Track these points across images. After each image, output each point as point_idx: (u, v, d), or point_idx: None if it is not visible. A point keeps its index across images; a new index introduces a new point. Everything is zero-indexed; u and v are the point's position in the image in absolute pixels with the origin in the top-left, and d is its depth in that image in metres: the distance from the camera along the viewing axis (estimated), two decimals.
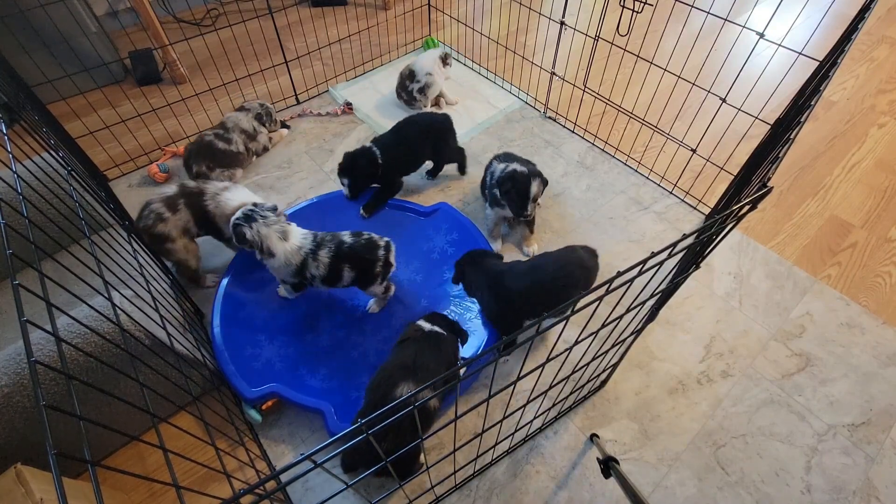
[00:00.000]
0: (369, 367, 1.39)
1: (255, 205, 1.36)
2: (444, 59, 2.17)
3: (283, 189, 1.92)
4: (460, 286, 1.46)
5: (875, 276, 1.67)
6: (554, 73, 2.08)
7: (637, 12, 1.59)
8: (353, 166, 1.75)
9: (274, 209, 1.37)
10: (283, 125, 2.15)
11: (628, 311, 0.84)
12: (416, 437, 0.92)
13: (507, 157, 1.70)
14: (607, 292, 0.67)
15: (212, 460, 0.83)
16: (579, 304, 0.66)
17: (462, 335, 1.29)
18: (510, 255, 1.72)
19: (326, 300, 1.53)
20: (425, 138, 1.81)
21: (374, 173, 1.76)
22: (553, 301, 1.27)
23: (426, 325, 1.23)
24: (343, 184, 1.79)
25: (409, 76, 2.15)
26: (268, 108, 2.02)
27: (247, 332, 1.45)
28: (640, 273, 0.66)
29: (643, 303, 0.83)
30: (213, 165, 1.84)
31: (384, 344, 1.43)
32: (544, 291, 1.31)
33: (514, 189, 1.51)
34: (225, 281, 1.54)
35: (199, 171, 1.83)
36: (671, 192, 1.90)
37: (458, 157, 1.92)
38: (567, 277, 1.32)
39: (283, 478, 1.04)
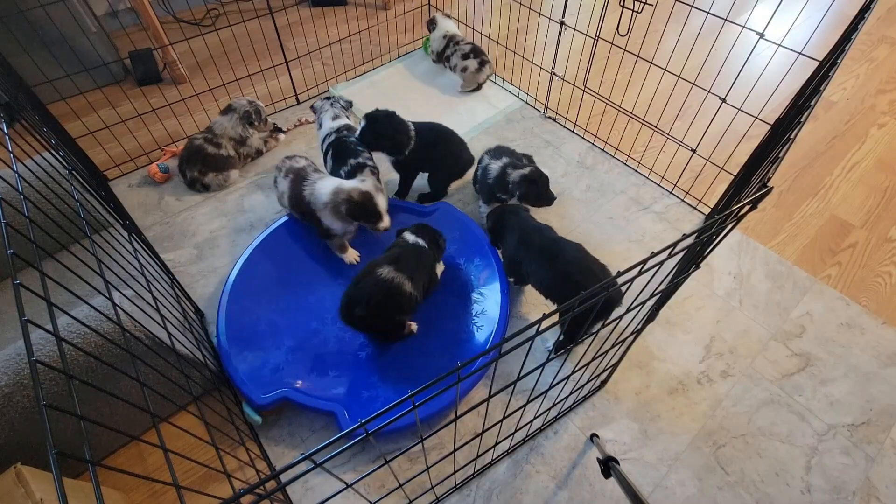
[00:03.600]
0: (378, 367, 1.39)
1: (343, 101, 1.84)
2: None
3: None
4: (465, 290, 1.49)
5: (875, 276, 1.67)
6: (554, 73, 2.08)
7: (637, 12, 1.59)
8: (385, 125, 1.65)
9: (349, 106, 1.85)
10: (279, 130, 2.11)
11: (628, 311, 0.84)
12: (392, 312, 1.35)
13: (497, 152, 1.70)
14: (607, 292, 0.67)
15: (212, 460, 0.83)
16: (579, 305, 0.66)
17: (440, 250, 1.47)
18: None
19: (331, 304, 1.52)
20: (433, 148, 1.73)
21: (400, 143, 1.67)
22: (559, 277, 1.35)
23: (411, 238, 1.42)
24: (358, 124, 1.70)
25: (451, 39, 2.29)
26: (257, 107, 1.93)
27: (252, 336, 1.43)
28: (640, 273, 0.66)
29: (643, 303, 0.83)
30: (205, 170, 1.84)
31: (391, 345, 1.43)
32: (559, 261, 1.35)
33: (534, 187, 1.57)
34: (229, 286, 1.52)
35: (192, 177, 1.85)
36: (671, 192, 1.90)
37: (441, 185, 1.85)
38: (583, 272, 1.31)
39: (283, 478, 1.04)
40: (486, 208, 1.70)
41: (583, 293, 0.64)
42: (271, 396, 1.29)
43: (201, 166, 1.84)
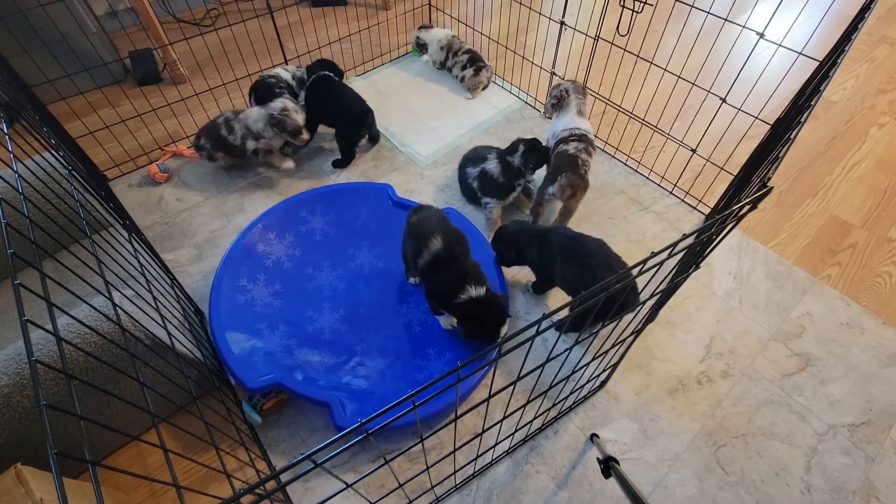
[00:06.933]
0: (375, 360, 1.38)
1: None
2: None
3: (284, 189, 1.92)
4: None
5: (875, 276, 1.67)
6: (554, 73, 2.08)
7: (637, 12, 1.59)
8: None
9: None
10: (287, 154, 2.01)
11: (628, 310, 0.84)
12: None
13: (477, 157, 1.78)
14: (607, 292, 0.67)
15: (212, 460, 0.83)
16: (580, 305, 0.66)
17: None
18: None
19: (329, 293, 1.53)
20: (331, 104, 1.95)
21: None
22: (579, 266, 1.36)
23: None
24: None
25: (450, 48, 2.36)
26: (282, 118, 1.77)
27: (247, 320, 1.43)
28: (640, 273, 0.66)
29: (643, 303, 0.83)
30: (216, 147, 1.87)
31: (387, 341, 1.43)
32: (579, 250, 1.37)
33: (537, 152, 1.66)
34: (221, 268, 1.52)
35: (201, 145, 1.88)
36: (671, 192, 1.90)
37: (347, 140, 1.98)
38: (602, 264, 1.33)
39: (283, 478, 1.04)
40: (496, 203, 1.74)
41: (583, 292, 0.64)
42: (265, 380, 1.26)
43: (213, 142, 1.85)
